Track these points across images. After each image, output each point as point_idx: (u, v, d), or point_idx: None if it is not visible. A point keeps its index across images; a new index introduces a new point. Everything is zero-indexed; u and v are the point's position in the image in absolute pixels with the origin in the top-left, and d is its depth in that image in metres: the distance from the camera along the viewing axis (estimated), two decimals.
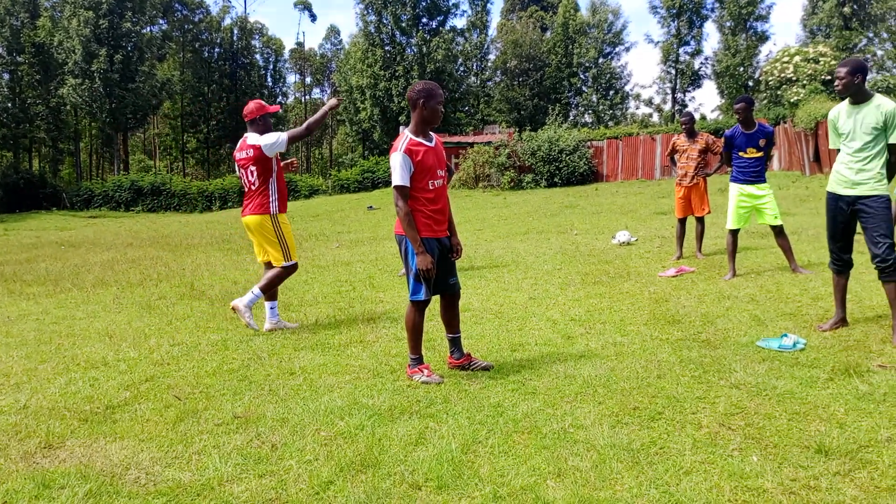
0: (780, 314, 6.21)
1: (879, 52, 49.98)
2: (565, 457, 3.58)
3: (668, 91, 50.59)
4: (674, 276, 8.27)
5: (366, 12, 47.47)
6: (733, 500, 3.09)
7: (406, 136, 4.82)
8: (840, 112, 5.54)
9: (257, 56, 61.82)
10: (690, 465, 3.44)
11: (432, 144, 4.89)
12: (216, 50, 59.05)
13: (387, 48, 47.15)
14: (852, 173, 5.41)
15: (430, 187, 4.85)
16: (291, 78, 70.52)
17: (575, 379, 4.78)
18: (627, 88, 55.11)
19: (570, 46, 52.27)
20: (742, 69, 45.01)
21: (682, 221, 9.66)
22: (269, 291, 6.60)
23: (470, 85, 52.77)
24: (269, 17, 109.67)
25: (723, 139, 8.13)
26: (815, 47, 36.73)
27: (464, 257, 10.88)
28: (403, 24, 46.75)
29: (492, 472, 3.45)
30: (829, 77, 33.79)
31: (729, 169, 8.25)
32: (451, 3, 48.89)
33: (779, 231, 7.96)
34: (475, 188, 29.15)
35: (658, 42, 49.84)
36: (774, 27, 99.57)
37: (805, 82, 34.51)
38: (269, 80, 63.03)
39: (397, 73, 45.54)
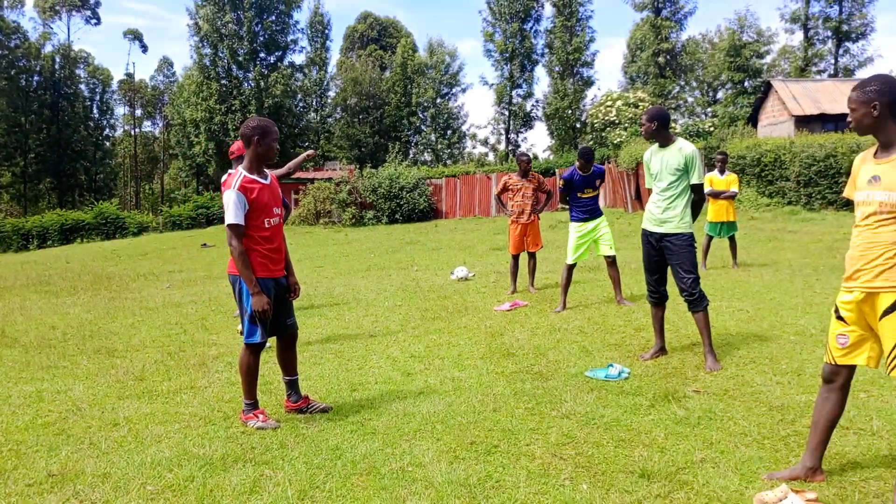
0: (606, 345, 6.55)
1: (690, 99, 54.55)
2: (404, 497, 3.57)
3: (503, 131, 52.53)
4: (508, 310, 8.53)
5: (201, 45, 46.14)
6: None
7: (240, 172, 4.70)
8: (651, 153, 5.96)
9: (82, 86, 58.41)
10: (525, 498, 3.52)
11: (267, 182, 4.79)
12: (35, 78, 55.26)
13: (223, 82, 46.00)
14: (659, 211, 5.83)
15: (266, 225, 4.74)
16: (120, 110, 67.10)
17: (414, 416, 4.79)
18: (464, 128, 56.70)
19: (409, 86, 53.23)
20: (570, 112, 47.55)
21: (516, 258, 10.00)
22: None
23: (310, 121, 52.44)
24: (97, 45, 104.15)
25: (561, 181, 8.51)
26: (635, 93, 39.60)
27: (303, 295, 10.70)
28: (240, 59, 45.84)
29: None
30: None
31: (560, 206, 8.68)
32: (289, 39, 48.55)
33: (612, 262, 8.44)
34: (316, 224, 28.88)
35: (492, 84, 51.68)
36: (599, 73, 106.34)
37: (626, 125, 37.03)
38: (96, 111, 59.70)
39: (234, 108, 44.48)
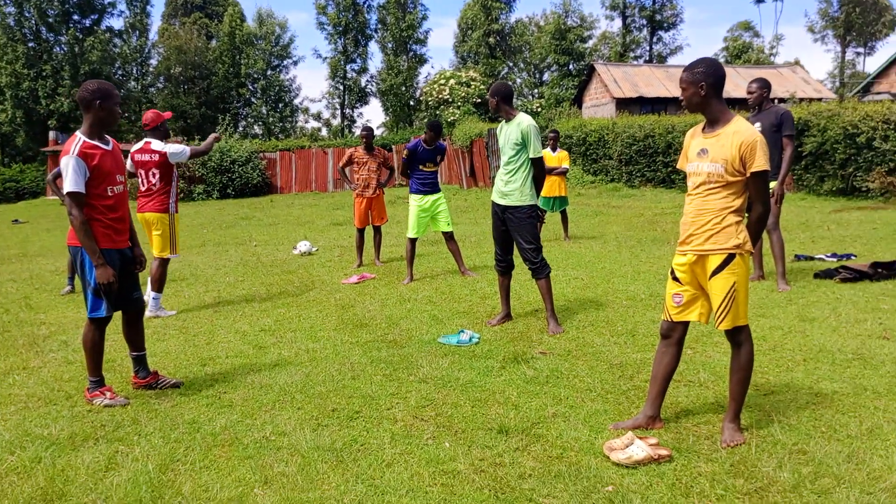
0: (455, 313, 6.76)
1: (519, 80, 56.44)
2: (270, 464, 3.56)
3: (338, 106, 52.03)
4: (356, 283, 8.56)
5: (3, 3, 42.12)
6: (433, 484, 3.32)
7: (79, 138, 4.42)
8: (500, 128, 6.18)
9: None
10: (391, 458, 3.61)
11: (109, 148, 4.54)
12: None
13: (31, 45, 42.23)
14: (503, 184, 6.06)
15: (109, 194, 4.49)
16: None
17: (271, 388, 4.75)
18: (297, 102, 55.60)
19: (238, 56, 51.37)
20: (404, 89, 47.84)
21: (361, 231, 10.03)
22: (159, 285, 7.29)
23: (130, 90, 49.31)
24: None
25: (405, 151, 8.58)
26: (467, 72, 40.42)
27: None
28: (51, 20, 42.24)
29: (195, 488, 3.31)
30: (479, 100, 37.36)
31: (399, 181, 8.77)
32: (106, 2, 45.29)
33: (450, 237, 8.65)
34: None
35: (326, 58, 51.03)
36: (432, 51, 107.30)
37: (459, 104, 37.78)
38: None
39: (45, 73, 41.04)
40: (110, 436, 3.98)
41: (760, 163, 3.47)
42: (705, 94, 3.61)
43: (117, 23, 56.09)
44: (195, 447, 3.79)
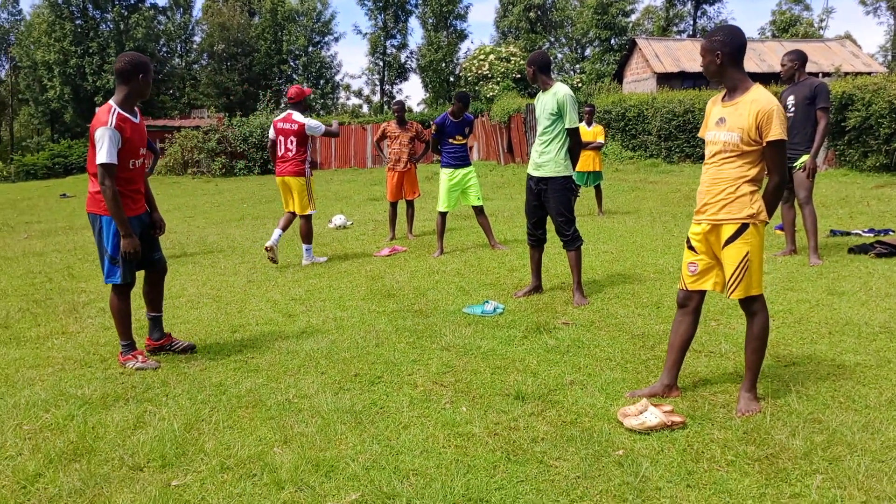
0: (482, 284, 6.82)
1: (559, 55, 55.86)
2: (291, 425, 3.67)
3: (377, 82, 52.17)
4: (388, 256, 8.67)
5: None
6: (447, 446, 3.40)
7: (114, 109, 4.51)
8: (538, 99, 6.16)
9: None
10: (408, 420, 3.71)
11: (137, 121, 4.65)
12: None
13: (78, 22, 43.08)
14: (537, 156, 6.07)
15: (131, 167, 4.59)
16: None
17: (297, 354, 4.88)
18: (338, 78, 55.87)
19: (280, 33, 51.74)
20: (444, 65, 47.72)
21: (394, 205, 10.12)
22: (309, 238, 8.40)
23: (174, 67, 50.07)
24: None
25: (433, 126, 8.61)
26: (507, 47, 40.15)
27: (175, 244, 10.45)
28: None
29: (217, 446, 3.44)
30: (519, 75, 37.12)
31: (436, 158, 8.78)
32: None
33: (479, 211, 8.69)
34: (183, 174, 27.81)
35: (366, 34, 51.11)
36: (472, 26, 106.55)
37: (499, 79, 37.59)
38: None
39: (91, 50, 41.84)
40: (140, 396, 4.14)
41: (777, 132, 3.45)
42: (721, 62, 3.59)
43: (161, 0, 56.64)
44: (220, 408, 3.93)
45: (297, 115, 8.21)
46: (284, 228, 8.38)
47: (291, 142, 8.22)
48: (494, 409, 3.83)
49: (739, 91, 3.60)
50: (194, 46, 53.13)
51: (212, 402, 4.03)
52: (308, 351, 4.91)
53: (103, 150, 4.42)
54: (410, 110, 42.94)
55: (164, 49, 49.54)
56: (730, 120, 3.58)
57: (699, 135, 3.97)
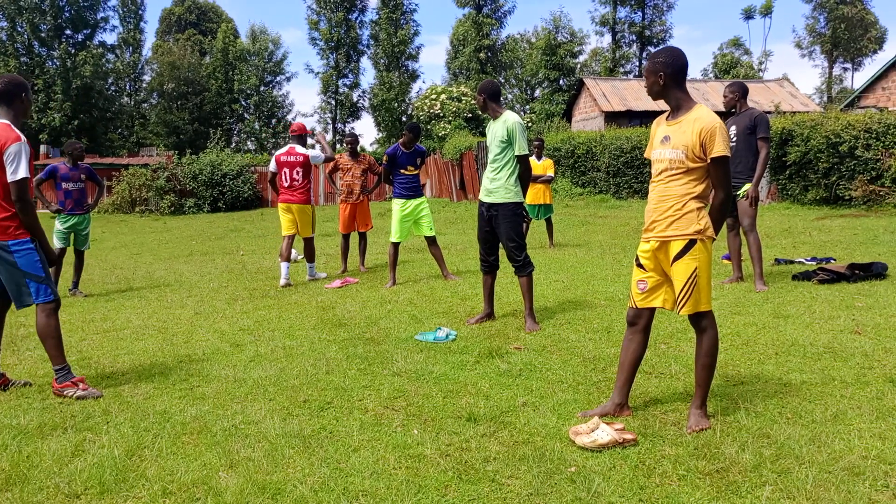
0: (435, 313, 6.79)
1: (510, 96, 56.75)
2: (237, 449, 3.57)
3: (329, 121, 52.18)
4: (339, 287, 8.59)
5: None
6: (398, 467, 3.34)
7: (12, 126, 4.42)
8: (488, 127, 6.22)
9: None
10: (358, 444, 3.64)
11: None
12: None
13: (23, 59, 42.31)
14: (488, 182, 6.10)
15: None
16: None
17: (245, 381, 4.77)
18: (290, 117, 55.74)
19: (231, 73, 51.59)
20: (396, 104, 48.04)
21: (346, 237, 10.07)
22: (313, 257, 9.44)
23: (123, 105, 49.42)
24: None
25: (385, 157, 8.61)
26: (459, 87, 40.66)
27: (121, 279, 10.23)
28: (43, 35, 42.38)
29: (160, 472, 3.32)
30: (470, 115, 37.57)
31: (389, 195, 8.83)
32: (99, 17, 45.48)
33: (432, 241, 8.69)
34: (131, 213, 27.30)
35: (318, 73, 51.20)
36: (424, 67, 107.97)
37: (450, 118, 37.99)
38: None
39: (36, 87, 41.10)
40: (80, 425, 3.99)
41: (720, 148, 3.53)
42: (664, 82, 3.67)
43: (110, 38, 56.26)
44: (164, 435, 3.81)
45: (299, 148, 9.16)
46: (289, 258, 9.05)
47: (298, 172, 9.09)
48: (446, 431, 3.78)
49: (683, 110, 3.68)
50: (144, 85, 52.61)
51: (155, 429, 3.90)
52: (256, 379, 4.81)
53: (21, 166, 4.32)
54: (364, 149, 43.05)
55: (113, 87, 48.92)
56: (674, 138, 3.65)
57: (645, 155, 4.04)
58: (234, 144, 51.37)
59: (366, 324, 6.43)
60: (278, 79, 54.76)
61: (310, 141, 9.33)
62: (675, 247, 3.64)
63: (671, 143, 3.65)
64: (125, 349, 5.83)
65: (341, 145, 47.28)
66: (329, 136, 50.80)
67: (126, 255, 14.55)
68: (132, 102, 51.68)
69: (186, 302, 8.11)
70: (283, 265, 8.97)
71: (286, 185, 9.14)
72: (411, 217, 8.61)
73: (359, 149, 10.11)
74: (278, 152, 9.25)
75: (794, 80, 56.81)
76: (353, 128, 51.59)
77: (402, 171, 8.54)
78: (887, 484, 3.02)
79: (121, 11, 49.05)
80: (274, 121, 53.89)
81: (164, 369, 5.16)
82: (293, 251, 11.67)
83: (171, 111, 50.10)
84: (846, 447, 3.38)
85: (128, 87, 51.56)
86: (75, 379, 4.56)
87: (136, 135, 49.91)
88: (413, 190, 8.61)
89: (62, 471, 3.35)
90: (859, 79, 59.82)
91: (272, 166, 9.26)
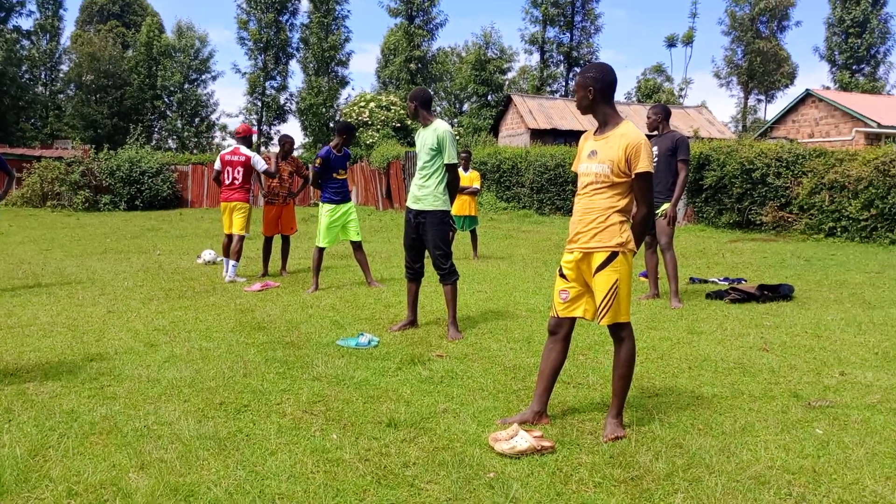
0: (357, 319, 6.74)
1: (438, 108, 57.04)
2: (149, 450, 3.46)
3: (255, 122, 51.32)
4: (259, 290, 8.43)
5: None
6: (316, 471, 3.30)
7: None
8: (418, 133, 6.22)
9: None
10: (276, 447, 3.57)
11: None
12: None
13: None
14: (416, 189, 6.11)
15: None
16: None
17: (159, 382, 4.63)
18: (214, 117, 54.65)
19: (154, 68, 50.27)
20: (324, 109, 47.65)
21: (269, 240, 9.90)
22: (238, 256, 9.35)
23: (37, 94, 47.49)
24: None
25: (318, 160, 8.35)
26: (388, 96, 40.64)
27: (29, 274, 9.79)
28: None
29: (65, 472, 3.19)
30: (398, 124, 37.59)
31: (314, 199, 8.71)
32: (14, 1, 43.66)
33: (358, 246, 8.62)
34: (42, 207, 26.17)
35: (245, 73, 50.36)
36: (354, 75, 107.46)
37: (379, 127, 37.91)
38: None
39: None
40: None
41: (644, 164, 3.63)
42: (593, 97, 3.76)
43: (26, 23, 53.97)
44: (70, 435, 3.66)
45: (243, 149, 9.41)
46: (237, 258, 9.34)
47: (238, 172, 9.32)
48: (366, 436, 3.75)
49: (610, 125, 3.77)
50: (61, 75, 50.67)
51: (61, 428, 3.74)
52: (170, 379, 4.67)
53: None
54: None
55: (27, 75, 47.02)
56: (601, 152, 3.73)
57: (572, 168, 4.11)
58: (154, 142, 49.97)
59: (286, 328, 6.33)
60: (204, 77, 53.65)
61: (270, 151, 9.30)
62: (598, 258, 3.72)
63: (598, 157, 3.74)
64: (31, 346, 5.58)
65: (267, 148, 46.63)
66: (255, 139, 50.06)
67: (35, 249, 13.93)
68: (47, 92, 49.77)
69: (99, 300, 7.82)
70: (226, 261, 9.34)
71: (227, 183, 9.38)
72: (340, 222, 8.50)
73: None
74: (223, 151, 9.55)
75: (711, 107, 59.10)
76: (278, 130, 50.85)
77: (334, 174, 8.40)
78: (790, 492, 3.14)
79: None
80: (197, 120, 52.73)
81: (73, 367, 4.96)
82: (212, 252, 11.43)
83: (90, 104, 48.34)
84: (753, 457, 3.51)
85: (43, 76, 49.64)
86: None
87: (51, 126, 48.03)
88: (343, 195, 8.51)
89: None
90: (772, 110, 62.74)
91: (217, 164, 9.50)
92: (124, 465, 3.29)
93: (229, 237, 9.43)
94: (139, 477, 3.16)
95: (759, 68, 52.70)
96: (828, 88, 41.50)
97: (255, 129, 10.20)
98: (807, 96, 30.43)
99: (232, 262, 9.26)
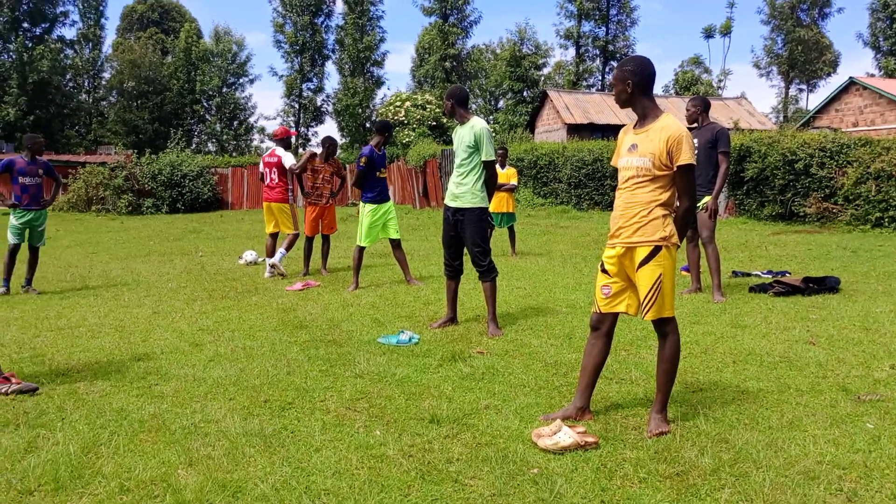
0: (397, 317, 6.77)
1: (474, 106, 56.98)
2: (196, 448, 3.52)
3: (293, 124, 51.81)
4: (300, 290, 8.51)
5: None
6: (360, 467, 3.32)
7: None
8: (455, 132, 6.22)
9: None
10: (320, 444, 3.61)
11: None
12: None
13: None
14: (454, 187, 6.11)
15: None
16: None
17: (205, 381, 4.71)
18: (252, 120, 55.29)
19: (193, 73, 51.03)
20: (360, 110, 47.93)
21: (311, 240, 9.98)
22: (287, 247, 9.85)
23: (81, 102, 48.52)
24: None
25: (364, 159, 8.28)
26: (423, 95, 40.71)
27: (76, 277, 10.03)
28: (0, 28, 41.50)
29: (117, 469, 3.26)
30: (434, 123, 37.64)
31: (352, 199, 8.75)
32: (58, 11, 44.64)
33: (397, 244, 8.65)
34: (87, 211, 26.76)
35: (282, 76, 50.88)
36: (389, 75, 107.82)
37: (415, 126, 38.00)
38: None
39: None
40: (33, 422, 3.90)
41: (686, 157, 3.58)
42: (632, 91, 3.73)
43: (69, 33, 55.20)
44: (121, 433, 3.74)
45: (278, 150, 9.87)
46: (271, 254, 9.76)
47: (274, 172, 9.78)
48: (409, 432, 3.77)
49: (650, 118, 3.73)
50: (103, 83, 51.70)
51: (112, 426, 3.83)
52: (216, 378, 4.75)
53: None
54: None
55: (71, 83, 48.07)
56: (641, 146, 3.70)
57: (612, 163, 4.08)
58: (194, 145, 50.76)
59: (328, 326, 6.39)
60: (241, 81, 54.34)
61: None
62: (641, 253, 3.69)
63: (638, 151, 3.71)
64: (81, 347, 5.71)
65: (304, 150, 47.02)
66: (293, 141, 50.59)
67: (81, 253, 14.25)
68: (90, 100, 50.80)
69: (144, 301, 7.97)
70: (268, 260, 9.70)
71: (266, 183, 9.91)
72: (381, 221, 8.51)
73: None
74: (264, 154, 10.19)
75: (751, 99, 58.15)
76: (316, 132, 51.30)
77: (378, 173, 8.39)
78: (841, 488, 3.08)
79: (81, 6, 48.31)
80: (236, 123, 53.39)
81: (121, 367, 5.07)
82: (253, 253, 11.57)
83: (131, 110, 49.27)
84: (801, 452, 3.45)
85: (86, 84, 50.68)
86: (6, 374, 4.45)
87: (94, 133, 49.02)
88: (385, 194, 8.53)
89: (14, 467, 3.27)
90: (814, 100, 61.44)
91: (260, 166, 10.08)
92: (173, 461, 3.36)
93: (272, 237, 9.84)
94: (188, 473, 3.22)
95: (800, 57, 51.73)
96: (872, 76, 40.55)
97: (293, 130, 10.58)
98: (850, 84, 29.78)
99: (280, 250, 9.71)
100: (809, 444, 3.55)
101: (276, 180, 9.78)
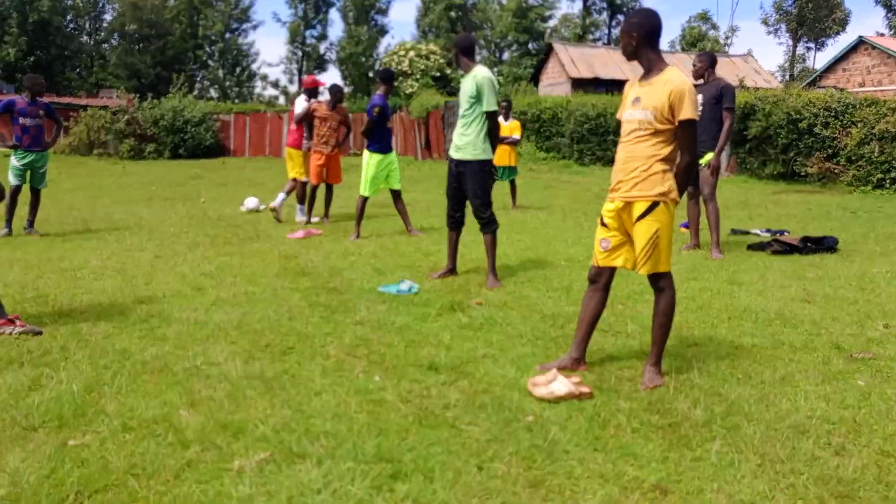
0: (398, 266, 6.82)
1: (478, 58, 56.32)
2: (198, 389, 3.59)
3: (295, 72, 51.33)
4: (302, 238, 8.55)
5: None
6: (359, 411, 3.39)
7: None
8: (462, 82, 6.16)
9: None
10: (320, 388, 3.68)
11: None
12: None
13: None
14: (458, 138, 6.08)
15: None
16: None
17: (206, 324, 4.77)
18: (254, 67, 54.72)
19: (196, 17, 50.34)
20: (364, 58, 47.42)
21: (315, 188, 9.95)
22: (301, 200, 10.21)
23: (82, 44, 47.95)
24: None
25: (377, 108, 8.19)
26: (428, 45, 40.24)
27: (79, 220, 10.06)
28: None
29: (120, 408, 3.33)
30: (438, 73, 37.27)
31: (354, 149, 8.74)
32: None
33: (398, 195, 8.66)
34: (89, 155, 26.63)
35: (285, 22, 50.26)
36: (393, 23, 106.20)
37: (418, 76, 37.64)
38: None
39: None
40: (37, 361, 3.97)
41: (688, 112, 3.58)
42: (637, 43, 3.71)
43: None
44: (123, 373, 3.80)
45: (299, 99, 10.26)
46: (288, 193, 10.20)
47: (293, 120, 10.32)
48: (407, 378, 3.84)
49: (655, 71, 3.72)
50: (104, 25, 51.04)
51: (115, 367, 3.89)
52: (217, 322, 4.81)
53: None
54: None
55: (72, 25, 47.44)
56: (645, 99, 3.69)
57: (617, 116, 4.07)
58: (196, 91, 50.27)
59: (329, 274, 6.44)
60: (244, 26, 53.62)
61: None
62: (639, 207, 3.71)
63: (641, 103, 3.70)
64: (83, 289, 5.76)
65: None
66: (293, 88, 50.07)
67: (84, 196, 14.25)
68: (91, 42, 50.18)
69: (146, 245, 8.01)
70: (279, 194, 10.24)
71: (289, 130, 10.66)
72: (385, 171, 8.51)
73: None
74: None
75: (758, 56, 57.41)
76: (323, 88, 50.79)
77: (387, 123, 8.38)
78: (829, 442, 3.15)
79: None
80: (238, 69, 52.86)
81: (124, 309, 5.13)
82: (255, 200, 11.58)
83: (133, 53, 48.73)
84: (792, 407, 3.52)
85: (87, 26, 50.00)
86: (11, 316, 4.50)
87: (96, 76, 48.55)
88: (390, 144, 8.55)
89: (19, 404, 3.34)
90: (821, 59, 60.73)
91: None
92: (175, 402, 3.43)
93: (292, 181, 10.28)
94: (190, 414, 3.29)
95: (810, 14, 50.95)
96: (882, 35, 40.01)
97: (322, 80, 10.65)
98: (859, 43, 29.43)
99: (298, 207, 10.17)
100: (801, 399, 3.62)
101: (295, 127, 10.28)
